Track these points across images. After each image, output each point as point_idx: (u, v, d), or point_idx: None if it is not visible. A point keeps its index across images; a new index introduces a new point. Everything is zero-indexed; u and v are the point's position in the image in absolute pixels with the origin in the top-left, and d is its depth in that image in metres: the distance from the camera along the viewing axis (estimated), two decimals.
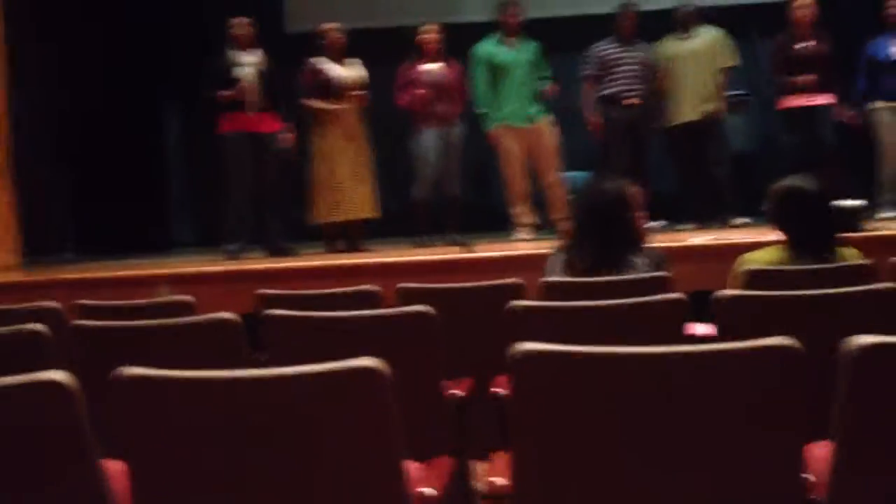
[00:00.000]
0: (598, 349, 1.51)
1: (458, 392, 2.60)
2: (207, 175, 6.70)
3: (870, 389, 1.49)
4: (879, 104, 6.04)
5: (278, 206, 5.92)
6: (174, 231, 8.30)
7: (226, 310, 2.47)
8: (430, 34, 5.99)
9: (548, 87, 6.13)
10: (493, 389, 2.58)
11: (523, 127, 6.08)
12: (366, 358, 1.51)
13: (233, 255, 5.67)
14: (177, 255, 6.77)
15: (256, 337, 2.50)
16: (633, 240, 3.00)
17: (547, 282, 2.93)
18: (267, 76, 5.73)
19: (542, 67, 6.18)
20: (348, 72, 5.88)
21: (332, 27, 5.92)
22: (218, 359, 2.34)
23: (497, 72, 6.09)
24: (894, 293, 2.33)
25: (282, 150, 5.83)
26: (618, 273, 2.90)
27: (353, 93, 5.81)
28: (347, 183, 5.82)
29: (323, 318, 2.43)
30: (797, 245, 2.96)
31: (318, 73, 5.82)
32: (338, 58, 5.89)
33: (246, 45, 5.77)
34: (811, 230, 2.96)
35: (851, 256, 2.97)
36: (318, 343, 2.37)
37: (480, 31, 6.58)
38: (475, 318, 2.96)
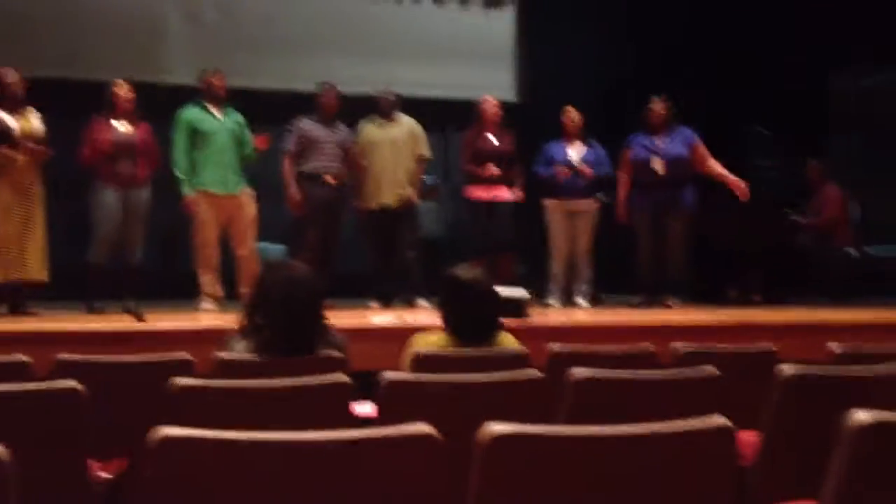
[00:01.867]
0: (235, 435, 1.48)
1: (106, 475, 2.45)
2: None
3: (500, 477, 1.55)
4: (551, 202, 6.59)
5: None
6: None
7: None
8: (122, 91, 5.76)
9: (255, 137, 6.09)
10: (148, 472, 2.44)
11: (222, 195, 5.99)
12: None
13: None
14: None
15: None
16: (321, 326, 2.99)
17: (221, 359, 2.85)
18: None
19: (245, 140, 6.14)
20: (23, 122, 5.47)
21: (9, 73, 5.49)
22: None
23: (199, 138, 5.98)
24: (539, 380, 2.50)
25: None
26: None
27: (30, 145, 5.41)
28: (12, 242, 5.37)
29: None
30: (456, 330, 3.11)
31: None
32: (14, 106, 5.46)
33: None
34: (469, 316, 3.11)
35: (510, 343, 3.16)
36: None
37: (180, 94, 6.46)
38: (136, 395, 2.81)
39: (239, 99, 6.26)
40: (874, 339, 4.14)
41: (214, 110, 6.07)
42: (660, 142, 6.38)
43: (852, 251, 7.65)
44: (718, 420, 1.62)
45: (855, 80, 9.11)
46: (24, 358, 2.75)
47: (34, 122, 5.52)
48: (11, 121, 5.41)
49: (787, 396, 2.37)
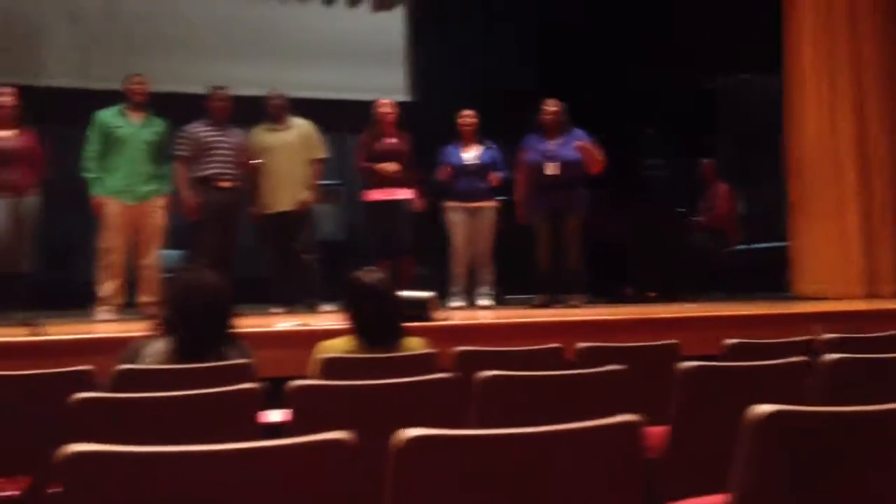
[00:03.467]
0: (147, 449, 1.46)
1: (11, 493, 2.36)
2: None
3: (414, 481, 1.56)
4: (451, 204, 6.65)
5: None
6: None
7: None
8: (3, 98, 5.56)
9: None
10: (51, 489, 2.37)
11: (130, 204, 5.88)
12: None
13: None
14: None
15: None
16: (227, 331, 2.96)
17: (121, 370, 2.78)
18: None
19: (164, 146, 6.05)
20: None
21: None
22: None
23: (112, 143, 5.87)
24: (450, 382, 2.53)
25: None
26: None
27: None
28: None
29: None
30: (362, 334, 3.11)
31: None
32: None
33: None
34: (374, 320, 3.13)
35: (416, 346, 3.19)
36: None
37: (72, 96, 6.27)
38: (36, 409, 2.72)
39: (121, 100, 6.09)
40: (765, 332, 4.31)
41: (132, 116, 5.94)
42: (552, 145, 6.48)
43: (742, 246, 7.96)
44: (625, 417, 1.66)
45: (735, 83, 9.49)
46: None
47: None
48: None
49: (690, 390, 2.46)
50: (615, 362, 2.60)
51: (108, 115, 5.93)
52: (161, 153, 6.05)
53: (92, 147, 5.88)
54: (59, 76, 7.80)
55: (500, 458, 1.60)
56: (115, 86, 6.07)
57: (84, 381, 2.75)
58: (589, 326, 4.92)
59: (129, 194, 5.88)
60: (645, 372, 2.74)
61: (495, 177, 6.60)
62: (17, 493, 2.42)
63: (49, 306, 5.89)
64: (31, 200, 5.65)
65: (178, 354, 2.84)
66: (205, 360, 2.81)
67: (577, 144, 6.34)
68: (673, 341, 3.39)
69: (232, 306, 2.99)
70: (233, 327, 2.97)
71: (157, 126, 6.06)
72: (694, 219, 7.85)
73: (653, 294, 7.10)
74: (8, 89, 5.64)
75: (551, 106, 6.53)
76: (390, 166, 6.43)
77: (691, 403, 2.50)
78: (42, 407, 2.72)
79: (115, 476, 1.48)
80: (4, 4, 7.77)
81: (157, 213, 6.00)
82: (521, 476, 1.62)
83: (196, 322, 2.86)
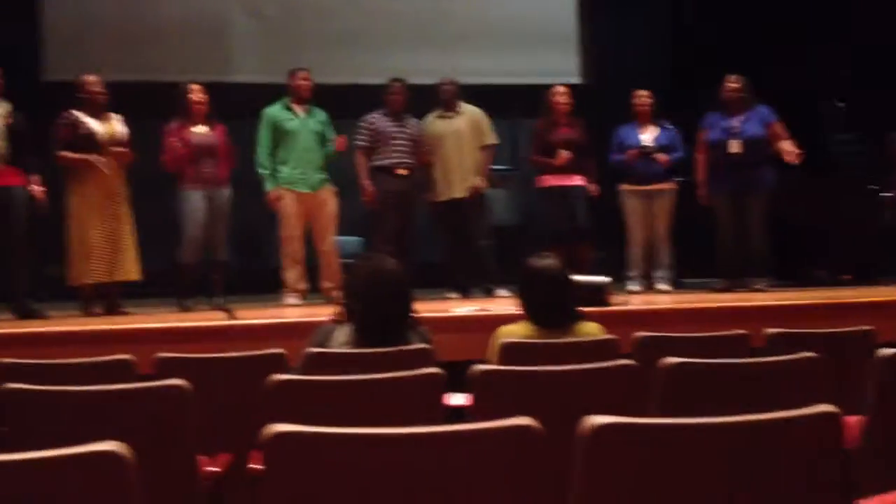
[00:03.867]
0: (344, 430, 1.52)
1: (214, 469, 2.52)
2: None
3: (603, 469, 1.56)
4: (626, 187, 6.53)
5: (25, 265, 5.52)
6: None
7: None
8: (195, 95, 5.90)
9: (335, 138, 6.21)
10: (250, 465, 2.51)
11: (304, 193, 6.13)
12: (106, 442, 1.43)
13: None
14: None
15: None
16: (409, 316, 3.03)
17: (312, 353, 2.91)
18: (14, 129, 5.38)
19: (328, 136, 6.28)
20: (107, 127, 5.62)
21: (93, 80, 5.66)
22: None
23: (283, 136, 6.14)
24: (631, 369, 2.50)
25: (40, 206, 5.50)
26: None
27: (114, 149, 5.57)
28: (104, 244, 5.52)
29: (66, 392, 2.29)
30: (536, 319, 3.10)
31: (76, 126, 5.53)
32: (97, 112, 5.62)
33: None
34: (548, 305, 3.11)
35: (593, 331, 3.16)
36: (59, 422, 2.23)
37: (254, 91, 6.56)
38: (235, 390, 2.89)
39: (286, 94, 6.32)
40: None
41: (298, 109, 6.20)
42: (735, 122, 6.26)
43: None
44: (824, 407, 1.60)
45: None
46: (127, 357, 2.85)
47: (117, 125, 5.68)
48: (97, 126, 5.57)
49: (889, 379, 2.33)
50: (806, 350, 2.49)
51: (275, 111, 6.21)
52: (325, 142, 6.26)
53: (264, 143, 6.16)
54: (243, 72, 8.21)
55: (692, 448, 1.57)
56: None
57: (278, 363, 2.90)
58: (775, 311, 4.73)
59: (302, 183, 6.14)
60: (837, 360, 2.61)
61: (664, 157, 6.42)
62: (218, 470, 2.56)
63: (242, 292, 6.25)
64: (226, 192, 5.98)
65: (361, 339, 2.93)
66: (387, 344, 2.88)
67: (780, 145, 6.09)
68: (868, 327, 3.21)
69: (412, 292, 3.06)
70: (413, 313, 3.04)
71: (320, 116, 6.29)
72: (886, 195, 7.37)
73: (847, 277, 6.73)
74: (198, 86, 5.97)
75: (733, 82, 6.29)
76: (563, 155, 6.38)
77: (890, 393, 2.36)
78: (239, 387, 2.90)
79: (315, 455, 1.55)
80: (190, 5, 8.22)
81: (331, 201, 6.22)
82: (712, 466, 1.58)
83: (379, 308, 2.94)
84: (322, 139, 6.24)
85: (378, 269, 3.00)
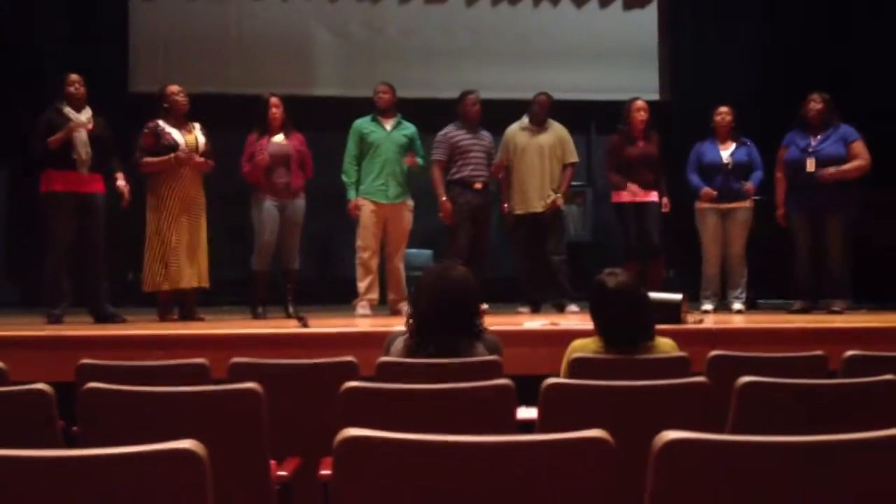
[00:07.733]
0: (417, 437, 1.53)
1: (283, 473, 2.55)
2: (35, 234, 6.38)
3: (675, 484, 1.54)
4: (703, 205, 6.44)
5: (104, 270, 5.67)
6: None
7: (45, 379, 2.37)
8: (273, 108, 6.01)
9: (407, 158, 6.27)
10: (321, 471, 2.54)
11: (383, 204, 6.21)
12: (184, 441, 1.47)
13: (56, 320, 5.40)
14: None
15: (75, 409, 2.39)
16: (475, 327, 3.03)
17: (382, 362, 2.94)
18: (96, 135, 5.55)
19: (416, 150, 6.36)
20: (189, 137, 5.76)
21: (175, 89, 5.82)
22: (27, 433, 2.22)
23: (367, 148, 6.26)
24: (703, 386, 2.46)
25: (125, 199, 5.65)
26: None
27: (196, 159, 5.71)
28: (182, 252, 5.66)
29: (144, 393, 2.35)
30: (607, 335, 3.07)
31: (160, 136, 5.69)
32: (179, 121, 5.78)
33: (78, 104, 5.57)
34: (619, 322, 3.07)
35: (667, 348, 3.11)
36: (137, 420, 2.28)
37: (336, 105, 6.65)
38: (306, 396, 2.94)
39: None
40: None
41: (384, 122, 6.29)
42: (815, 141, 6.12)
43: None
44: None
45: None
46: (203, 361, 2.91)
47: (198, 135, 5.82)
48: (178, 136, 5.72)
49: None
50: (885, 372, 2.42)
51: (362, 123, 6.33)
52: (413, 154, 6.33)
53: (350, 153, 6.28)
54: (326, 86, 8.35)
55: (764, 465, 1.54)
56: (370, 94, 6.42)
57: (350, 370, 2.93)
58: (853, 334, 4.60)
59: (381, 194, 6.21)
60: None
61: (751, 186, 6.32)
62: (287, 474, 2.59)
63: (313, 301, 6.33)
64: (300, 201, 6.08)
65: (415, 346, 2.94)
66: (441, 354, 2.88)
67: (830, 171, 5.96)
68: None
69: (478, 304, 3.05)
70: (479, 324, 3.04)
71: (407, 130, 6.35)
72: None
73: None
74: (276, 98, 6.08)
75: (816, 101, 6.15)
76: (633, 190, 6.34)
77: None
78: (310, 393, 2.94)
79: (386, 461, 1.56)
80: (275, 23, 8.39)
81: (406, 216, 6.30)
82: (784, 485, 1.55)
83: (436, 314, 2.94)
84: (406, 152, 6.31)
85: (445, 274, 3.00)
